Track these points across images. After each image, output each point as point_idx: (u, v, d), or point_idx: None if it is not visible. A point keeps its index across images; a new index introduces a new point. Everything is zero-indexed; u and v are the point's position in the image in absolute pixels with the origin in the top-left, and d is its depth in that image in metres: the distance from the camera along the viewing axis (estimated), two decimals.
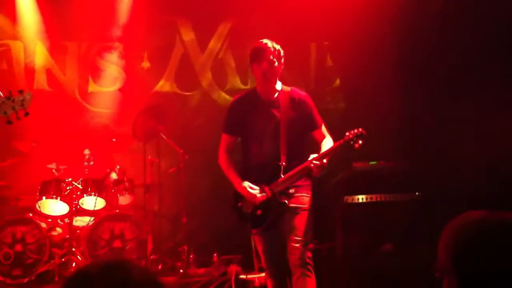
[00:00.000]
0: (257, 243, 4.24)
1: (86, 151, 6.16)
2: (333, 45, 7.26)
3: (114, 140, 6.34)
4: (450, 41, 6.39)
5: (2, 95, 3.31)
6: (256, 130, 4.18)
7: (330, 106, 7.21)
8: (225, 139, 4.31)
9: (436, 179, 5.68)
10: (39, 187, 5.91)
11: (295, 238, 3.99)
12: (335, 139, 4.14)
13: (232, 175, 4.19)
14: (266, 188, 4.07)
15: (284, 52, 4.15)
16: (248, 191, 4.07)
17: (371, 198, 5.26)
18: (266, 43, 4.11)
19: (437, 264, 1.65)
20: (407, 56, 6.66)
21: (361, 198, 5.28)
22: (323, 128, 4.26)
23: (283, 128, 4.11)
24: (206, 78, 7.38)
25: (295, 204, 4.07)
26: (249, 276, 5.47)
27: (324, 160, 3.97)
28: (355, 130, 3.99)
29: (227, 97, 7.20)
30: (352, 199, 5.29)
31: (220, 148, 4.29)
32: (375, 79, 6.88)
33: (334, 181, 5.56)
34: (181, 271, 5.90)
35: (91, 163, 6.14)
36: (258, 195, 4.05)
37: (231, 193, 4.21)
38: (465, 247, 1.59)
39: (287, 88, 4.22)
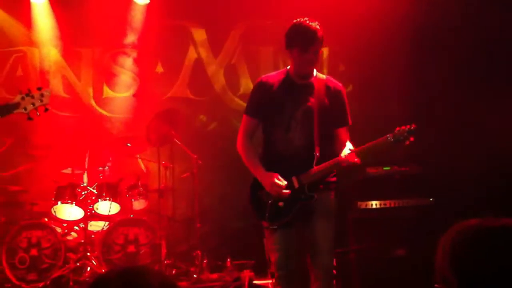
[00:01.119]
0: (269, 240, 3.79)
1: (110, 157, 6.23)
2: (346, 51, 7.26)
3: (128, 145, 6.40)
4: (465, 44, 6.36)
5: (22, 92, 3.35)
6: (284, 114, 3.76)
7: None
8: (246, 121, 3.88)
9: (450, 184, 5.66)
10: (55, 192, 5.96)
11: (323, 248, 3.68)
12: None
13: (254, 163, 3.78)
14: (294, 178, 3.68)
15: None
16: (275, 181, 3.63)
17: (384, 204, 5.25)
18: (316, 30, 3.65)
19: (436, 275, 1.68)
20: (420, 60, 6.65)
21: (374, 204, 5.28)
22: (347, 130, 3.89)
23: (317, 116, 3.72)
24: (219, 83, 7.43)
25: (324, 206, 3.73)
26: (262, 282, 5.49)
27: (356, 159, 3.60)
28: (407, 126, 3.64)
29: (240, 102, 7.23)
30: (366, 205, 5.28)
31: (240, 132, 3.87)
32: (388, 84, 6.88)
33: (347, 186, 5.56)
34: (194, 276, 5.92)
35: (106, 168, 6.19)
36: (285, 190, 3.64)
37: (249, 186, 3.83)
38: (463, 249, 1.61)
39: (322, 76, 3.86)
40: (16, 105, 3.32)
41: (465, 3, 6.27)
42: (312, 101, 3.74)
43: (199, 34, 7.43)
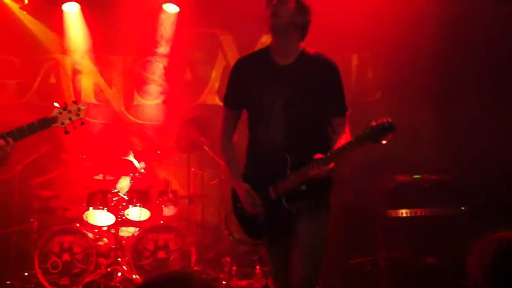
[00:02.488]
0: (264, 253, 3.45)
1: (142, 164, 6.30)
2: (374, 57, 7.24)
3: (158, 152, 6.47)
4: (497, 49, 6.30)
5: (59, 106, 3.43)
6: (263, 104, 3.18)
7: (371, 117, 7.17)
8: (225, 113, 3.41)
9: (482, 192, 5.60)
10: (86, 198, 6.04)
11: (299, 259, 3.13)
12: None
13: (231, 170, 3.33)
14: (270, 188, 3.16)
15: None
16: (246, 197, 3.19)
17: (415, 213, 5.22)
18: None
19: (469, 280, 1.67)
20: (450, 65, 6.60)
21: (404, 212, 5.25)
22: (345, 119, 3.23)
23: (302, 107, 3.12)
24: None
25: (309, 218, 3.14)
26: None
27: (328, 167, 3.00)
28: (383, 120, 2.96)
29: None
30: (396, 213, 5.26)
31: (219, 128, 3.42)
32: (417, 91, 6.84)
33: (377, 194, 5.54)
34: (223, 283, 5.95)
35: (137, 174, 6.26)
36: (256, 205, 3.17)
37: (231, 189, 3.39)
38: (502, 262, 1.61)
39: (311, 52, 3.21)
40: (54, 119, 3.39)
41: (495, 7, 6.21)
42: (296, 87, 3.12)
43: (228, 41, 7.48)
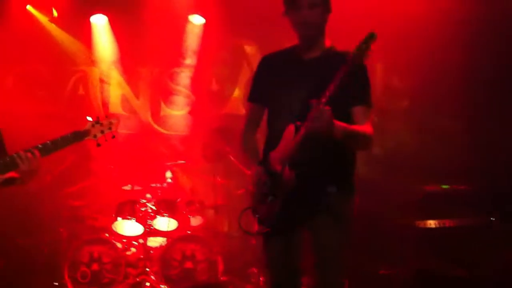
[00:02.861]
0: (263, 247, 3.27)
1: (168, 174, 6.36)
2: (400, 66, 7.20)
3: (184, 162, 6.53)
4: None
5: (91, 119, 3.49)
6: (287, 96, 3.12)
7: (399, 126, 7.15)
8: (248, 110, 3.40)
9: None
10: (115, 208, 6.11)
11: (322, 257, 3.03)
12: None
13: (248, 156, 3.31)
14: (277, 164, 3.02)
15: None
16: (258, 172, 3.08)
17: (443, 224, 5.17)
18: None
19: None
20: (479, 73, 6.53)
21: (433, 223, 5.20)
22: (367, 114, 3.10)
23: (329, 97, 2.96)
24: None
25: (328, 204, 3.00)
26: None
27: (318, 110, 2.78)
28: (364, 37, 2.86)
29: None
30: (424, 224, 5.21)
31: (243, 125, 3.38)
32: (445, 99, 6.78)
33: (405, 205, 5.50)
34: None
35: (164, 184, 6.32)
36: (262, 183, 3.04)
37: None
38: None
39: (338, 49, 3.18)
40: (87, 132, 3.46)
41: None
42: (321, 80, 2.96)
43: (253, 51, 7.52)
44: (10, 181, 3.46)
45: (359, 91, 3.07)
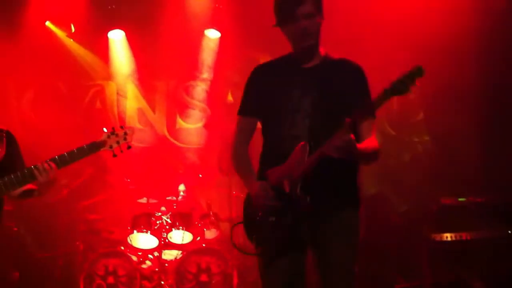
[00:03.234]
0: (260, 269, 3.06)
1: (181, 187, 6.38)
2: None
3: (200, 175, 6.54)
4: None
5: (106, 130, 3.53)
6: (287, 107, 2.99)
7: (414, 139, 7.12)
8: (240, 123, 3.21)
9: None
10: (131, 221, 6.14)
11: (335, 273, 2.88)
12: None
13: (245, 170, 3.11)
14: (285, 182, 2.86)
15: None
16: (259, 192, 2.90)
17: (460, 237, 5.11)
18: None
19: None
20: (495, 86, 6.48)
21: (449, 236, 5.14)
22: (371, 125, 2.99)
23: (330, 106, 2.92)
24: None
25: (338, 220, 2.88)
26: None
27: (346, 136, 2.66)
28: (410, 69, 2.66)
29: None
30: (440, 237, 5.16)
31: (234, 139, 3.21)
32: (461, 111, 6.72)
33: (421, 217, 5.46)
34: None
35: (179, 197, 6.33)
36: (269, 199, 2.86)
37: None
38: None
39: (334, 57, 3.11)
40: (103, 143, 3.51)
41: None
42: (321, 89, 2.95)
43: None
44: (28, 193, 3.56)
45: (364, 102, 2.91)
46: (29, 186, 3.49)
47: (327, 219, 2.90)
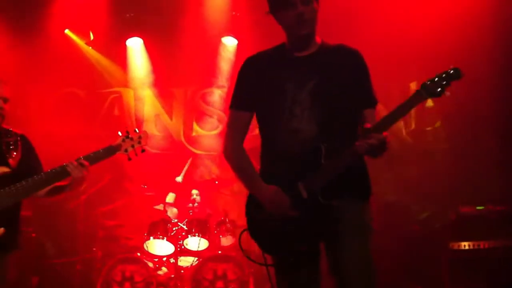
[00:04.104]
0: (276, 279, 2.88)
1: (194, 191, 6.40)
2: None
3: (216, 182, 6.56)
4: None
5: (121, 134, 3.58)
6: (284, 99, 2.81)
7: (432, 146, 7.07)
8: (234, 118, 3.01)
9: None
10: (148, 227, 6.15)
11: (354, 272, 2.70)
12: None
13: (248, 173, 2.92)
14: (301, 185, 2.70)
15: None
16: (274, 199, 2.73)
17: (478, 245, 5.06)
18: None
19: None
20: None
21: (467, 245, 5.10)
22: (374, 112, 2.87)
23: (330, 96, 2.76)
24: None
25: (353, 218, 2.73)
26: None
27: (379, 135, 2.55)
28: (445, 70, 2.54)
29: None
30: (458, 246, 5.11)
31: (226, 135, 3.06)
32: (478, 119, 6.67)
33: (440, 226, 5.42)
34: None
35: (196, 204, 6.35)
36: (288, 207, 2.71)
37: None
38: None
39: (331, 44, 2.93)
40: (118, 147, 3.57)
41: None
42: (321, 76, 2.78)
43: None
44: (59, 189, 3.66)
45: (370, 92, 2.86)
46: (58, 183, 3.58)
47: (339, 214, 2.71)
